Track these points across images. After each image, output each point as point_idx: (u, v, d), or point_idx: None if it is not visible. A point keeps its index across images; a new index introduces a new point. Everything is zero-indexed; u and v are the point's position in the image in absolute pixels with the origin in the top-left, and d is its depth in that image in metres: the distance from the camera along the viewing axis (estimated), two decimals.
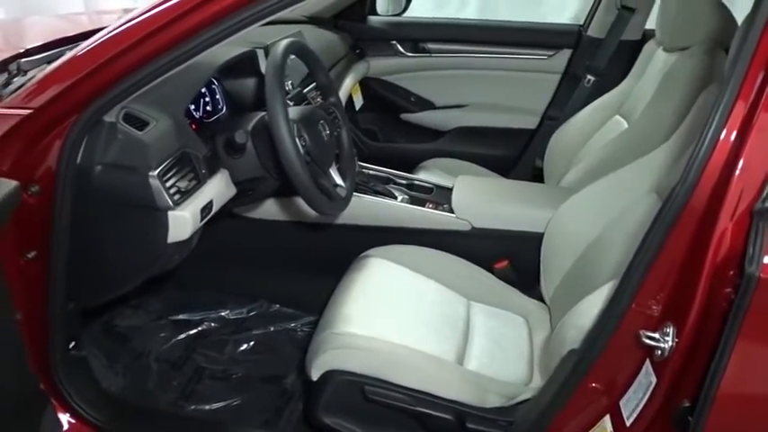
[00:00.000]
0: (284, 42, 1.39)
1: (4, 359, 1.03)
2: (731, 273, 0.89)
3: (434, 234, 1.84)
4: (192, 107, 1.53)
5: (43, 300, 1.24)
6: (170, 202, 1.17)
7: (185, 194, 1.23)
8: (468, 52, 2.57)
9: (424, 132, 2.69)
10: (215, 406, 1.64)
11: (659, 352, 0.98)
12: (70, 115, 1.11)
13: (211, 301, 1.99)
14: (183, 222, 1.20)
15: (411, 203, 1.89)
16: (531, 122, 2.57)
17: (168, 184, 1.19)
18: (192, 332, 1.88)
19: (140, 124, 1.21)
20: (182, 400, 1.64)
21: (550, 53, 2.52)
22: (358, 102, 2.57)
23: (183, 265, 2.01)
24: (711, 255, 0.92)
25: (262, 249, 2.00)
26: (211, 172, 1.34)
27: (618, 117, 2.10)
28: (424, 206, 1.88)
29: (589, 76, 2.44)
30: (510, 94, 2.57)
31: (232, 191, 1.42)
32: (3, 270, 0.99)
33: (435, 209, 1.88)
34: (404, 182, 2.02)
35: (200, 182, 1.28)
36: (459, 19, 2.60)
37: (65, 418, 1.31)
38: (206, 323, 1.92)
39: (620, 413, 1.07)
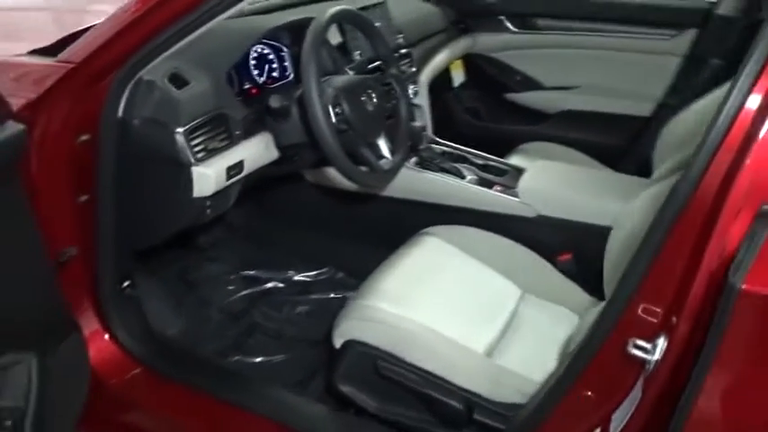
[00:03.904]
0: (332, 10, 1.39)
1: (32, 284, 1.16)
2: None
3: (498, 218, 1.76)
4: (256, 72, 1.59)
5: (95, 240, 1.37)
6: (192, 159, 1.23)
7: (212, 152, 1.28)
8: (581, 30, 2.39)
9: (527, 114, 2.55)
10: (258, 360, 1.72)
11: (648, 365, 0.87)
12: (110, 71, 1.20)
13: (284, 261, 2.06)
14: (205, 178, 1.26)
15: (479, 184, 1.82)
16: (645, 109, 2.33)
17: (194, 142, 1.25)
18: (257, 289, 1.97)
19: (182, 83, 1.29)
20: (229, 350, 1.74)
21: (673, 33, 2.26)
22: (457, 78, 2.49)
23: (263, 226, 2.13)
24: (707, 260, 0.79)
25: (336, 217, 2.05)
26: (248, 134, 1.38)
27: None
28: (491, 188, 1.80)
29: (716, 60, 2.16)
30: (624, 77, 2.35)
31: (274, 154, 1.46)
32: (28, 206, 1.11)
33: (504, 192, 1.79)
34: (480, 162, 1.94)
35: (232, 142, 1.33)
36: None
37: (110, 349, 1.45)
38: (273, 282, 2.00)
39: (609, 427, 0.97)
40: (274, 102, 1.35)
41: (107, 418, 1.47)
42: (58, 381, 1.18)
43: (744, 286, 0.69)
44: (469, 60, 2.54)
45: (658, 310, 0.88)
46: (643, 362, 0.87)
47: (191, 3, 1.09)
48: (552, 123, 2.51)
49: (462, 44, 2.47)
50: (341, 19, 1.43)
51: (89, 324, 1.41)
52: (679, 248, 0.84)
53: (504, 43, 2.51)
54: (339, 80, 1.43)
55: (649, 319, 0.89)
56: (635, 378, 0.92)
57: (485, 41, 2.53)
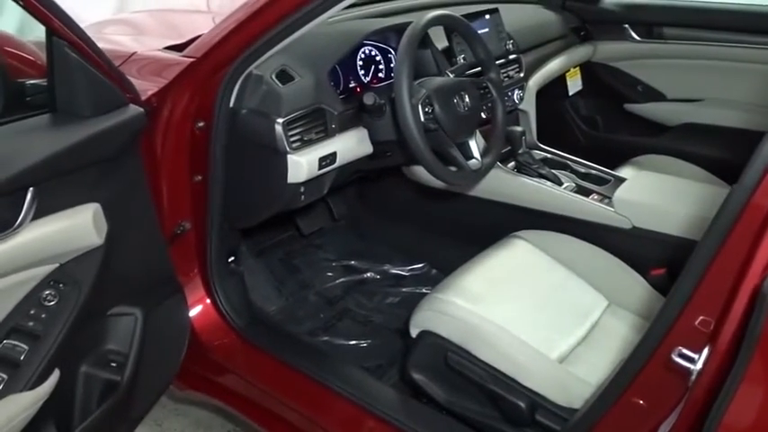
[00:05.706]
0: (430, 14, 1.45)
1: (146, 248, 1.34)
2: None
3: (591, 227, 1.73)
4: (362, 72, 1.69)
5: (206, 217, 1.54)
6: (287, 147, 1.35)
7: (307, 143, 1.39)
8: (709, 40, 2.26)
9: (647, 125, 2.45)
10: (344, 342, 1.82)
11: (691, 376, 0.86)
12: (224, 66, 1.35)
13: (382, 254, 2.16)
14: (298, 166, 1.37)
15: (576, 192, 1.80)
16: None
17: (291, 133, 1.36)
18: (354, 278, 2.08)
19: (287, 79, 1.41)
20: (319, 330, 1.86)
21: None
22: (573, 86, 2.45)
23: (365, 218, 2.23)
24: (752, 270, 0.77)
25: (432, 215, 2.12)
26: (344, 128, 1.48)
27: None
28: (588, 196, 1.78)
29: None
30: (753, 90, 2.19)
31: (367, 149, 1.54)
32: (145, 179, 1.29)
33: (600, 201, 1.76)
34: (582, 170, 1.92)
35: (327, 134, 1.43)
36: (703, 2, 2.28)
37: (211, 315, 1.61)
38: (369, 273, 2.10)
39: None
40: (368, 99, 1.44)
41: (203, 376, 1.64)
42: (159, 335, 1.35)
43: None
44: (588, 68, 2.49)
45: (708, 319, 0.86)
46: (687, 371, 0.86)
47: (293, 4, 1.21)
48: (672, 136, 2.40)
49: (581, 52, 2.43)
50: (439, 23, 1.49)
51: (195, 291, 1.58)
52: (729, 259, 0.82)
53: (626, 52, 2.44)
54: (433, 81, 1.50)
55: (699, 328, 0.87)
56: (683, 389, 0.91)
57: (606, 50, 2.47)
